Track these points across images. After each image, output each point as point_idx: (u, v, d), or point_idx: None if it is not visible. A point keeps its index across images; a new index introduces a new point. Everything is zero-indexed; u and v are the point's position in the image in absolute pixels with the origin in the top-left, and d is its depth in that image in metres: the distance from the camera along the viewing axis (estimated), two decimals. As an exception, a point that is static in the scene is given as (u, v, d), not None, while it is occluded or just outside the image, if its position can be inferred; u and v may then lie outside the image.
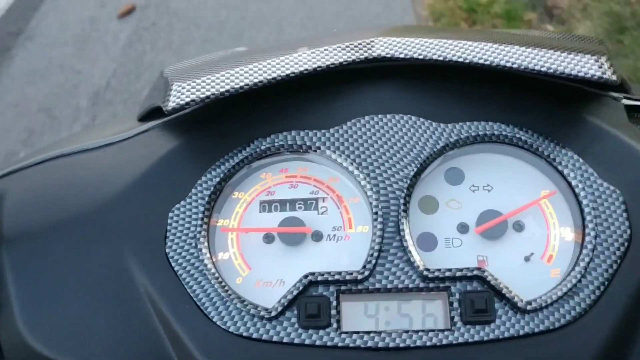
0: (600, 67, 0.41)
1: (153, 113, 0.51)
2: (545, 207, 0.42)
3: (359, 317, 0.39)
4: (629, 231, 0.39)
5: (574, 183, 0.41)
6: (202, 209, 0.43)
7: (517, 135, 0.43)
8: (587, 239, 0.40)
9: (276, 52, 0.46)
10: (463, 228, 0.42)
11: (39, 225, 0.45)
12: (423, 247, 0.42)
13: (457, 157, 0.44)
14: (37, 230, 0.44)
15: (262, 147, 0.44)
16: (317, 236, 0.43)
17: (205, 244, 0.42)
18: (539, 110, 0.45)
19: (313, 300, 0.39)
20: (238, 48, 0.62)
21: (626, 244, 0.39)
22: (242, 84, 0.42)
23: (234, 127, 0.46)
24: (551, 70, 0.41)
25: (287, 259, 0.42)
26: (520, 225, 0.42)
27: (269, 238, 0.43)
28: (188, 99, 0.42)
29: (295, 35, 2.36)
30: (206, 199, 0.43)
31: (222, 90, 0.42)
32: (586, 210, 0.40)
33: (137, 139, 0.49)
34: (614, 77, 0.41)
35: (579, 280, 0.38)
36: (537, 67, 0.41)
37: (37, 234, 0.44)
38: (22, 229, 0.45)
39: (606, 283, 0.38)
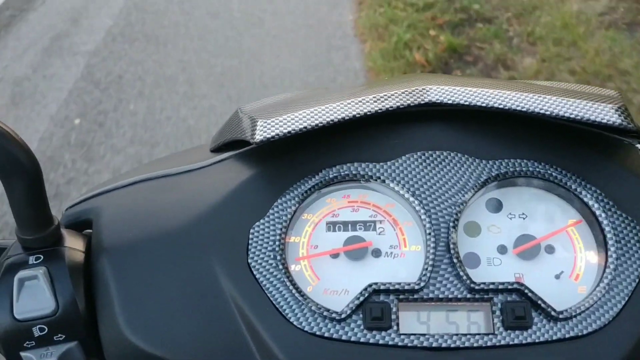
0: (620, 116, 0.48)
1: (225, 146, 0.58)
2: (572, 233, 0.49)
3: (414, 323, 0.46)
4: None
5: (597, 213, 0.48)
6: (279, 227, 0.50)
7: (549, 172, 0.50)
8: (610, 260, 0.46)
9: (341, 95, 0.54)
10: (502, 249, 0.49)
11: (134, 237, 0.51)
12: (468, 265, 0.48)
13: (496, 189, 0.52)
14: (133, 241, 0.51)
15: (330, 176, 0.52)
16: (377, 253, 0.50)
17: (282, 256, 0.49)
18: (567, 151, 0.52)
19: (377, 306, 0.46)
20: (300, 92, 0.70)
21: None
22: (317, 122, 0.50)
23: (304, 158, 0.53)
24: (579, 118, 0.48)
25: (350, 271, 0.49)
26: (552, 248, 0.49)
27: (335, 254, 0.50)
28: (273, 133, 0.49)
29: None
30: (282, 218, 0.50)
31: (300, 126, 0.49)
32: (608, 236, 0.47)
33: (216, 166, 0.56)
34: (631, 125, 0.49)
35: (604, 295, 0.45)
36: (567, 115, 0.49)
37: (134, 245, 0.51)
38: (120, 240, 0.51)
39: (627, 298, 0.45)
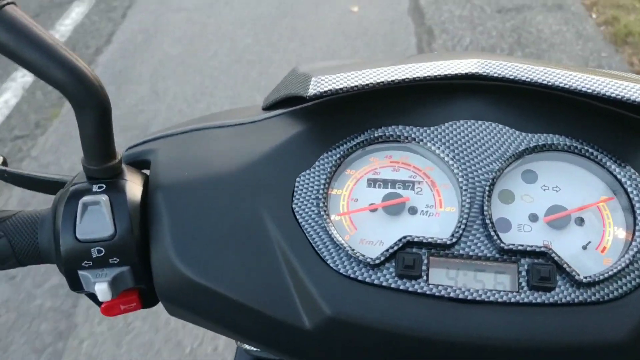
0: None
1: (278, 105, 0.62)
2: (603, 209, 0.51)
3: (443, 277, 0.48)
4: None
5: (629, 190, 0.50)
6: (323, 178, 0.53)
7: (585, 148, 0.52)
8: (637, 233, 0.48)
9: (395, 62, 0.57)
10: (533, 217, 0.51)
11: (189, 177, 0.55)
12: (500, 229, 0.51)
13: (533, 161, 0.54)
14: (188, 181, 0.55)
15: (375, 135, 0.54)
16: (413, 210, 0.52)
17: (324, 205, 0.52)
18: (603, 129, 0.54)
19: (409, 256, 0.49)
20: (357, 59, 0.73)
21: None
22: (368, 82, 0.52)
23: (352, 118, 0.56)
24: (619, 97, 0.50)
25: (387, 225, 0.52)
26: (581, 220, 0.51)
27: (373, 208, 0.53)
28: (326, 89, 0.52)
29: None
30: (327, 170, 0.53)
31: (352, 85, 0.52)
32: (638, 212, 0.49)
33: (269, 121, 0.60)
34: None
35: (627, 266, 0.47)
36: (607, 93, 0.51)
37: (188, 184, 0.55)
38: (175, 179, 0.55)
39: None
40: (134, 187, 0.54)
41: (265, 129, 0.59)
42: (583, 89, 0.51)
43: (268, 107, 0.63)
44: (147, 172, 0.59)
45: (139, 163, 0.60)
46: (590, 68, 0.66)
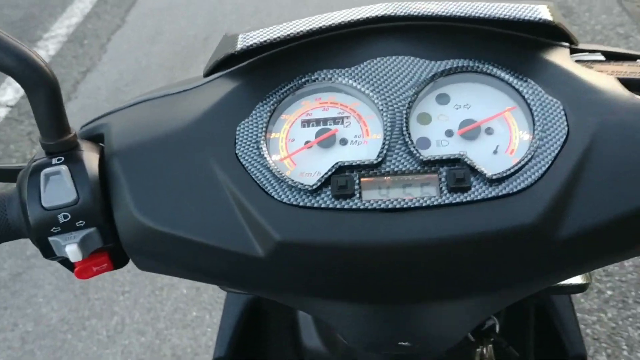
0: (539, 13, 0.57)
1: (217, 69, 0.67)
2: (508, 117, 0.57)
3: (374, 194, 0.54)
4: (566, 128, 0.54)
5: (527, 97, 0.57)
6: (261, 124, 0.58)
7: (488, 67, 0.59)
8: (536, 133, 0.55)
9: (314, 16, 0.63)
10: (449, 133, 0.57)
11: (141, 141, 0.60)
12: (420, 147, 0.57)
13: (444, 84, 0.60)
14: (140, 144, 0.60)
15: (303, 80, 0.60)
16: (343, 141, 0.58)
17: (265, 148, 0.57)
18: (505, 51, 0.60)
19: (342, 178, 0.54)
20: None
21: (564, 137, 0.54)
22: (288, 32, 0.58)
23: (281, 69, 0.61)
24: (506, 17, 0.57)
25: (322, 157, 0.58)
26: (490, 129, 0.57)
27: (308, 146, 0.59)
28: (251, 42, 0.58)
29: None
30: (263, 117, 0.59)
31: (274, 36, 0.58)
32: (536, 118, 0.56)
33: (209, 84, 0.65)
34: (550, 18, 0.56)
35: (529, 161, 0.53)
36: (496, 15, 0.58)
37: (140, 147, 0.60)
38: (128, 144, 0.60)
39: (550, 162, 0.53)
40: (90, 156, 0.59)
41: (206, 91, 0.64)
42: (477, 15, 0.58)
43: (208, 74, 0.69)
44: (102, 145, 0.64)
45: (94, 138, 0.65)
46: None
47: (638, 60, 0.65)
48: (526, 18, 0.57)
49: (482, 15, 0.58)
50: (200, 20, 3.71)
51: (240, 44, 0.58)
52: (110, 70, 3.40)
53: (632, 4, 3.29)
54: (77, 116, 2.98)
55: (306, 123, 0.60)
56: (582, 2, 3.32)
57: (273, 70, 0.62)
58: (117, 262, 0.63)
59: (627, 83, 0.59)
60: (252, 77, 0.62)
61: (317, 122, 0.60)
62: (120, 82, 3.28)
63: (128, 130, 0.63)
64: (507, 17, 0.57)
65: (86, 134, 0.66)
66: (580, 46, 0.66)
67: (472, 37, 0.62)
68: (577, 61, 0.62)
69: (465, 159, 0.55)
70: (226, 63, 0.65)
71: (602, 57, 0.66)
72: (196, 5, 3.88)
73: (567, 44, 0.64)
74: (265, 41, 0.58)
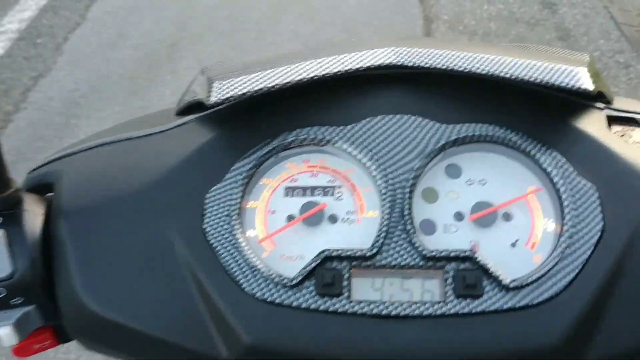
0: (579, 79, 0.50)
1: (190, 108, 0.60)
2: (532, 201, 0.51)
3: (367, 290, 0.48)
4: (602, 223, 0.48)
5: (555, 180, 0.50)
6: (235, 192, 0.52)
7: (509, 137, 0.52)
8: (565, 228, 0.48)
9: (304, 57, 0.56)
10: (459, 216, 0.51)
11: (94, 201, 0.54)
12: (424, 232, 0.50)
13: (456, 154, 0.53)
14: (92, 206, 0.53)
15: (288, 140, 0.53)
16: (333, 218, 0.52)
17: (238, 222, 0.51)
18: (530, 115, 0.54)
19: (329, 272, 0.48)
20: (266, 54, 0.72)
21: (599, 234, 0.48)
22: (273, 83, 0.51)
23: (263, 121, 0.55)
24: (538, 81, 0.50)
25: (306, 237, 0.51)
26: (509, 215, 0.51)
27: (291, 219, 0.52)
28: (228, 95, 0.51)
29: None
30: (239, 183, 0.52)
31: (256, 88, 0.51)
32: (565, 203, 0.49)
33: (178, 129, 0.58)
34: (590, 87, 0.50)
35: (556, 264, 0.47)
36: (527, 77, 0.51)
37: (92, 209, 0.53)
38: (79, 204, 0.54)
39: (580, 267, 0.47)
40: (34, 218, 0.53)
41: (173, 139, 0.57)
42: (500, 74, 0.51)
43: (180, 112, 0.62)
44: (52, 194, 0.58)
45: (42, 187, 0.59)
46: (520, 45, 0.66)
47: None
48: (563, 85, 0.50)
49: (508, 76, 0.51)
50: (167, 23, 3.56)
51: (215, 95, 0.51)
52: (66, 78, 3.18)
53: (631, 28, 3.31)
54: (24, 133, 2.82)
55: (290, 191, 0.53)
56: (580, 24, 3.32)
57: (254, 121, 0.55)
58: (64, 337, 0.56)
59: None
60: (228, 129, 0.55)
61: (304, 190, 0.53)
62: (76, 93, 3.06)
63: (81, 184, 0.56)
64: (540, 81, 0.51)
65: (33, 182, 0.59)
66: (615, 103, 0.60)
67: (490, 94, 0.55)
68: (611, 123, 0.57)
69: (478, 258, 0.48)
70: (200, 104, 0.58)
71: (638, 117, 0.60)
72: (164, 5, 3.85)
73: (601, 105, 0.58)
74: (244, 94, 0.51)
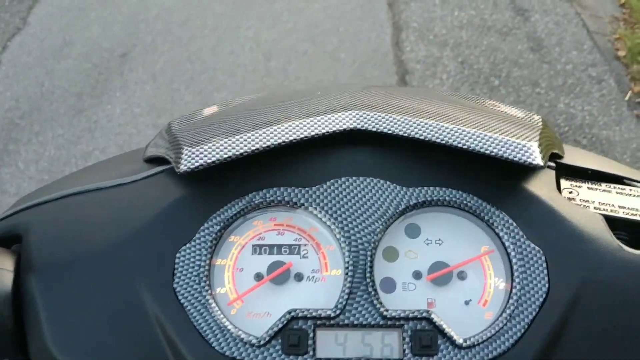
0: (530, 154, 0.59)
1: (159, 158, 0.67)
2: (485, 261, 0.60)
3: (331, 345, 0.56)
4: (547, 285, 0.57)
5: (506, 244, 0.59)
6: (204, 251, 0.59)
7: (464, 201, 0.61)
8: (514, 290, 0.57)
9: (270, 115, 0.63)
10: (417, 275, 0.59)
11: (64, 257, 0.59)
12: (384, 290, 0.58)
13: (415, 214, 0.62)
14: (62, 261, 0.59)
15: (256, 201, 0.61)
16: (299, 277, 0.59)
17: (207, 280, 0.58)
18: (483, 179, 0.62)
19: (294, 333, 0.55)
20: (235, 98, 0.79)
21: (545, 295, 0.57)
22: (242, 150, 0.59)
23: (232, 182, 0.62)
24: (492, 153, 0.59)
25: (273, 295, 0.58)
26: (464, 274, 0.59)
27: (259, 277, 0.59)
28: (197, 163, 0.58)
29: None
30: (208, 243, 0.59)
31: (225, 156, 0.58)
32: (515, 267, 0.58)
33: (147, 181, 0.65)
34: (541, 163, 0.58)
35: (505, 324, 0.56)
36: (481, 150, 0.59)
37: (62, 265, 0.59)
38: (49, 260, 0.59)
39: (527, 326, 0.55)
40: (3, 275, 0.58)
41: (143, 192, 0.64)
42: (458, 145, 0.60)
43: (148, 160, 0.68)
44: (19, 245, 0.63)
45: (10, 238, 0.64)
46: (489, 103, 0.74)
47: (626, 187, 0.69)
48: (516, 160, 0.59)
49: (465, 147, 0.60)
50: (117, 29, 3.51)
51: (184, 163, 0.58)
52: (3, 94, 3.07)
53: (603, 38, 3.45)
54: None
55: (258, 248, 0.61)
56: (552, 34, 3.46)
57: (223, 181, 0.63)
58: None
59: (612, 219, 0.62)
60: (198, 188, 0.62)
61: (271, 248, 0.61)
62: (16, 113, 2.95)
63: (50, 238, 0.62)
64: (494, 154, 0.59)
65: (1, 233, 0.65)
66: (566, 158, 0.69)
67: (447, 159, 0.64)
68: (561, 178, 0.66)
69: (434, 319, 0.56)
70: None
71: (589, 168, 0.70)
72: (114, 7, 3.72)
73: (552, 164, 0.67)
74: (213, 162, 0.58)
